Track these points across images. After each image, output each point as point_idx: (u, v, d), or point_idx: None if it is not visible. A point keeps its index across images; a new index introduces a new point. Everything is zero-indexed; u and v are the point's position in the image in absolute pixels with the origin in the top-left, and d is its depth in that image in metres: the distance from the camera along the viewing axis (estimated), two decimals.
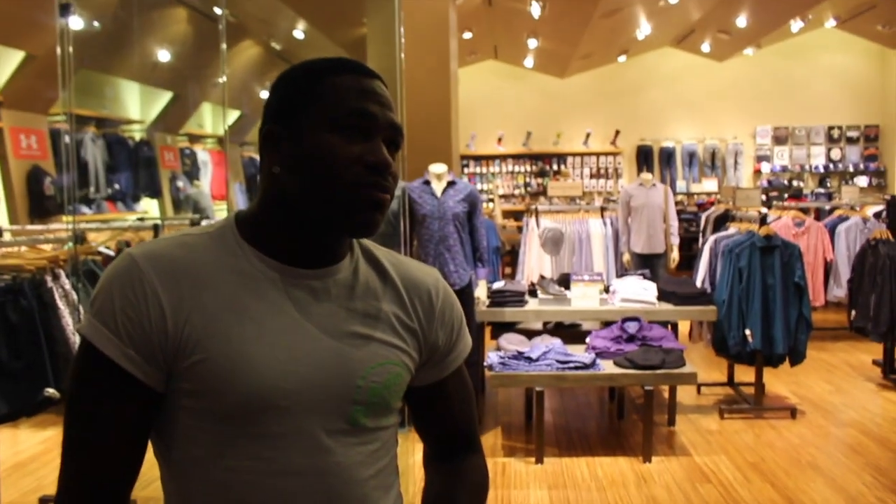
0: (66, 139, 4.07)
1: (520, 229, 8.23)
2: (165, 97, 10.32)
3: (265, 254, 1.03)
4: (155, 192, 9.90)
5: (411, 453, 3.87)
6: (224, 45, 4.36)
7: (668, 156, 13.94)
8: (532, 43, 11.57)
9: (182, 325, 0.97)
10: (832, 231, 7.13)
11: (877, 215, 7.45)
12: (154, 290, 0.96)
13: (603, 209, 7.43)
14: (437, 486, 1.22)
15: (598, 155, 14.10)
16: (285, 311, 1.01)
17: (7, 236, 4.89)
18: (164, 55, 9.21)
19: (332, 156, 0.99)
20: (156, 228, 4.99)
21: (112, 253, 4.48)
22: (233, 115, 10.73)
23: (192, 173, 10.76)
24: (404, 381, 1.11)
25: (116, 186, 9.09)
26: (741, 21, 11.17)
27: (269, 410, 0.98)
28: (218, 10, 5.04)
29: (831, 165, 13.82)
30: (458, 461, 1.24)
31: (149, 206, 10.06)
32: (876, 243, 5.91)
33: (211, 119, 12.03)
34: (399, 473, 1.16)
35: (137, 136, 9.79)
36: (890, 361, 5.96)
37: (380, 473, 1.08)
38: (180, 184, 10.34)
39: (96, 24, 7.19)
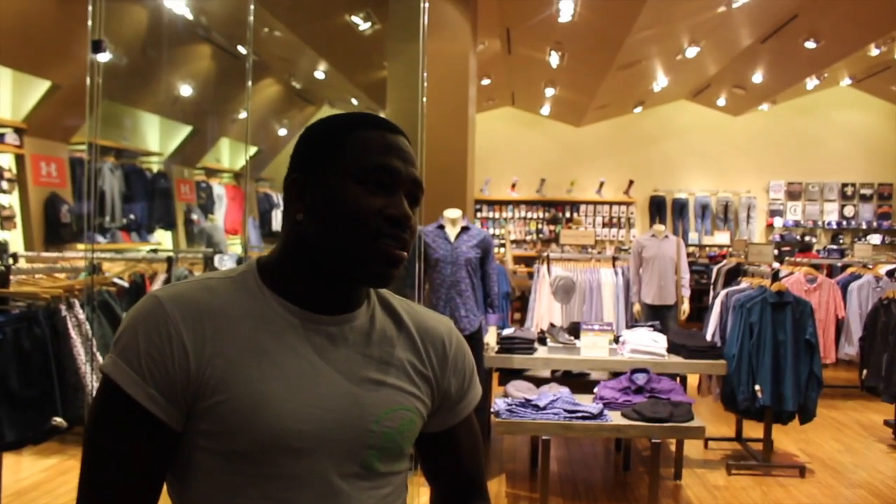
0: (87, 168, 4.12)
1: (530, 275, 8.24)
2: (185, 131, 10.46)
3: (285, 299, 1.06)
4: (169, 224, 9.99)
5: (417, 496, 3.83)
6: (249, 83, 4.43)
7: (680, 207, 13.97)
8: (549, 91, 11.70)
9: (204, 366, 0.98)
10: (844, 288, 7.10)
11: (889, 274, 7.42)
12: (178, 331, 0.98)
13: (615, 259, 7.44)
14: None
15: (611, 204, 14.15)
16: (304, 355, 1.03)
17: (22, 262, 4.94)
18: (185, 90, 9.37)
19: (354, 206, 1.02)
20: (169, 261, 5.03)
21: (126, 284, 4.51)
22: (250, 151, 10.86)
23: (207, 207, 10.86)
24: (417, 427, 1.13)
25: (132, 216, 9.19)
26: (757, 77, 11.28)
27: (285, 452, 1.00)
28: (243, 49, 5.14)
29: (844, 222, 13.81)
30: None
31: (163, 238, 10.14)
32: (889, 303, 5.88)
33: (228, 154, 12.16)
34: None
35: (155, 168, 9.92)
36: None
37: None
38: (195, 217, 10.44)
39: (123, 58, 7.33)
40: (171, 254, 5.25)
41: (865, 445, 5.91)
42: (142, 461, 0.98)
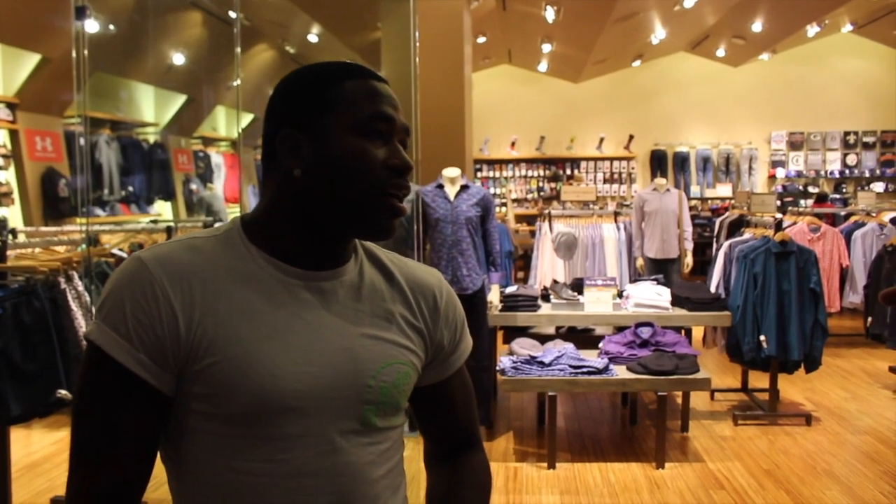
0: (81, 141, 4.08)
1: (533, 234, 8.21)
2: (180, 100, 10.37)
3: (273, 256, 1.03)
4: (168, 195, 9.95)
5: (420, 458, 3.85)
6: (238, 49, 4.36)
7: (682, 161, 13.88)
8: (546, 47, 11.55)
9: (194, 328, 0.96)
10: (848, 237, 7.07)
11: (893, 221, 7.38)
12: (165, 293, 0.95)
13: (616, 214, 7.41)
14: (443, 484, 1.23)
15: (611, 159, 14.06)
16: (295, 312, 1.01)
17: (21, 237, 4.92)
18: (178, 58, 9.26)
19: (360, 159, 1.01)
20: (169, 231, 5.01)
21: (125, 255, 4.49)
22: (246, 119, 10.79)
23: (206, 176, 10.82)
24: (412, 380, 1.12)
25: (130, 189, 9.15)
26: (756, 26, 11.11)
27: (283, 411, 0.98)
28: (233, 14, 5.06)
29: (847, 171, 13.71)
30: (461, 459, 1.25)
31: (162, 209, 10.11)
32: (893, 249, 5.86)
33: (225, 122, 12.08)
34: (405, 475, 1.16)
35: (151, 139, 9.86)
36: None
37: (390, 473, 1.09)
38: (194, 186, 10.40)
39: (111, 27, 7.23)
40: (170, 224, 5.23)
41: (871, 392, 5.92)
42: (134, 429, 0.96)
